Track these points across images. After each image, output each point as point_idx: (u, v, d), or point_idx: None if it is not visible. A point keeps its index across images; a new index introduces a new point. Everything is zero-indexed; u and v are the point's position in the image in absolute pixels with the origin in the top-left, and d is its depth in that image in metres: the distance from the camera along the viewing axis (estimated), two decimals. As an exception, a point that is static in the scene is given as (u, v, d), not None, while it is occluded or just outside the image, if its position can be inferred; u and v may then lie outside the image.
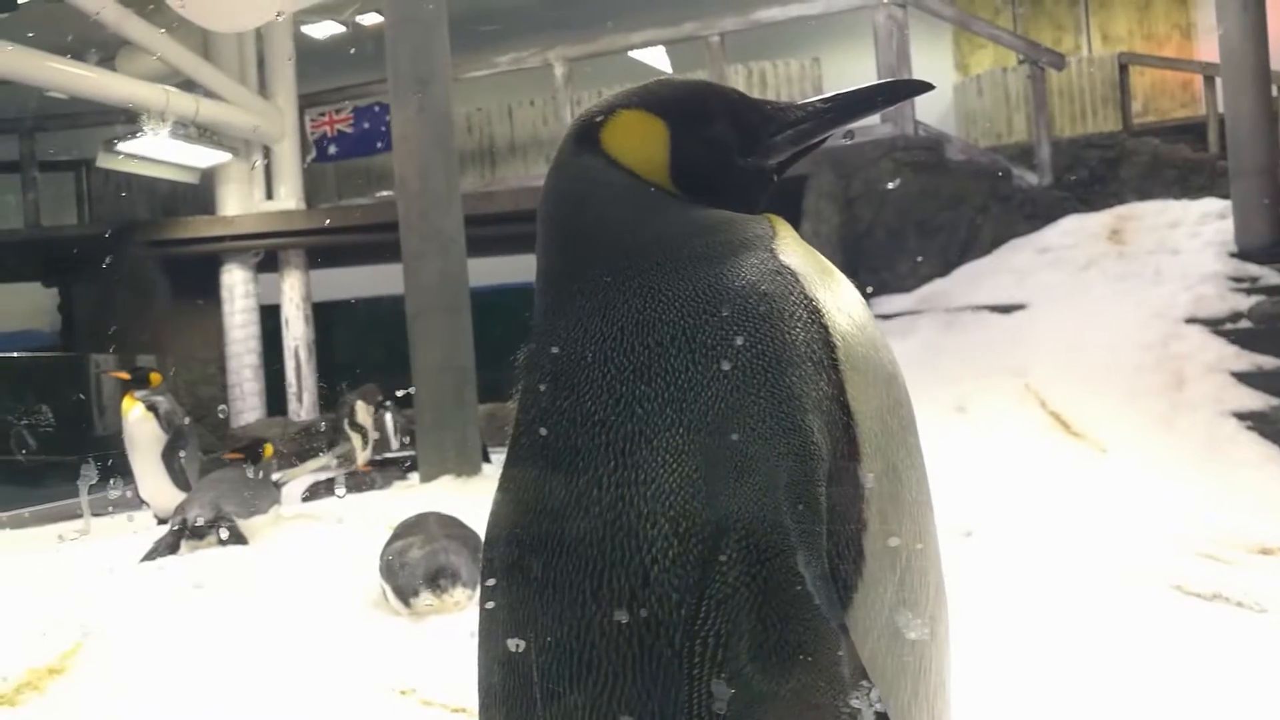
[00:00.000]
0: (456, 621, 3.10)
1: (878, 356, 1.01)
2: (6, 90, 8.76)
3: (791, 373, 0.92)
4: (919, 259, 7.55)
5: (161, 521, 5.13)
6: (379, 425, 7.36)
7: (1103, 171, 8.76)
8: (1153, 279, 6.19)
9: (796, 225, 1.11)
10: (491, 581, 1.00)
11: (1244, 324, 5.53)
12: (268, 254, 10.35)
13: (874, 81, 1.14)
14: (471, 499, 4.51)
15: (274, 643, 2.98)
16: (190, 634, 3.06)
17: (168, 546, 4.17)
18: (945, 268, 7.54)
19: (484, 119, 11.53)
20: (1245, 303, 5.67)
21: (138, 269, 10.34)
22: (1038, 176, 8.38)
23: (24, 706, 2.61)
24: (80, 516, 5.45)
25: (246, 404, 10.23)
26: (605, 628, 0.90)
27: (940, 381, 5.48)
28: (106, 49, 9.27)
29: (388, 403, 7.41)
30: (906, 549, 0.96)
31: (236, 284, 10.31)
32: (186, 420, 5.86)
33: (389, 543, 3.41)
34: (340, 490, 6.05)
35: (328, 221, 10.01)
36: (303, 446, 8.62)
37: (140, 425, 5.63)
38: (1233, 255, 6.17)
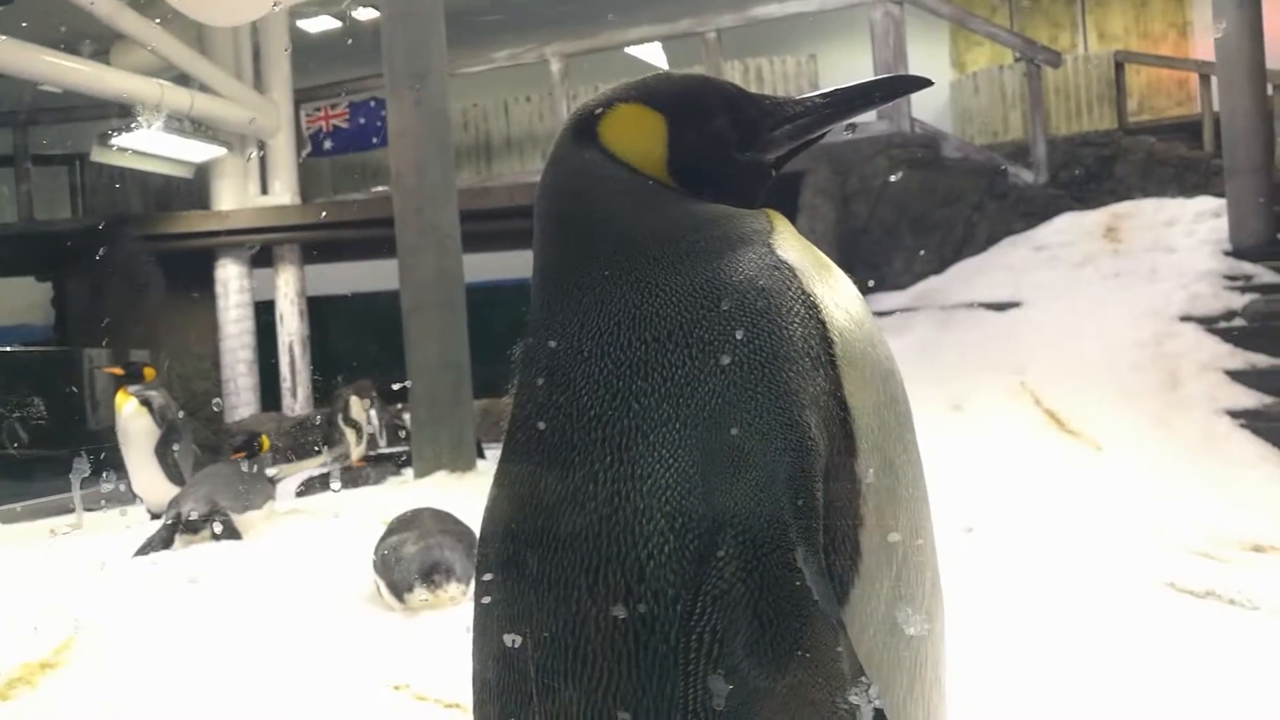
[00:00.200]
0: (450, 617, 3.10)
1: (875, 352, 1.01)
2: (0, 83, 8.72)
3: (789, 368, 0.92)
4: (921, 252, 7.55)
5: (155, 516, 5.12)
6: (373, 421, 7.35)
7: (1098, 169, 8.77)
8: (1148, 277, 6.20)
9: (792, 221, 1.10)
10: (487, 577, 1.00)
11: (1238, 322, 5.54)
12: (262, 249, 10.32)
13: (872, 77, 1.13)
14: (466, 494, 4.51)
15: (267, 638, 2.97)
16: (183, 629, 3.05)
17: (161, 541, 4.16)
18: (941, 265, 7.54)
19: (480, 114, 11.51)
20: (1240, 301, 5.68)
21: (132, 263, 10.30)
22: (1033, 174, 8.39)
23: (16, 701, 2.60)
24: (73, 511, 5.44)
25: (240, 399, 10.21)
26: (601, 623, 0.90)
27: (935, 379, 5.49)
28: (101, 42, 9.23)
29: (378, 399, 7.39)
30: (903, 545, 0.96)
31: (231, 279, 10.28)
32: (180, 414, 5.84)
33: (383, 538, 3.41)
34: (336, 484, 6.05)
35: (324, 214, 9.99)
36: (297, 441, 8.60)
37: (134, 420, 5.61)
38: (1227, 253, 6.19)
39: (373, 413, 7.34)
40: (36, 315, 11.98)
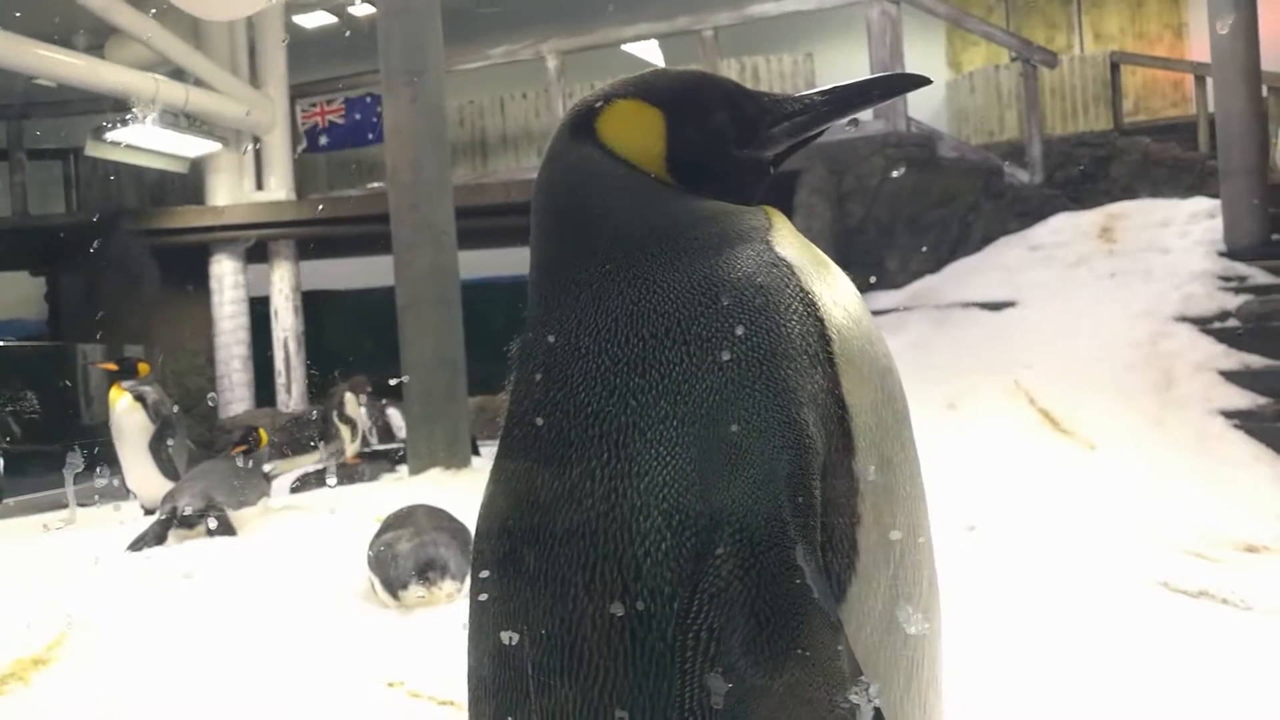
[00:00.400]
0: (444, 614, 3.09)
1: (873, 350, 1.01)
2: (-6, 77, 8.69)
3: (787, 366, 0.92)
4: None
5: (149, 512, 5.10)
6: (367, 417, 7.34)
7: (1094, 170, 8.78)
8: (1142, 277, 6.21)
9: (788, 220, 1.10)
10: (483, 573, 1.00)
11: (1232, 323, 5.55)
12: (257, 245, 10.30)
13: (870, 75, 1.13)
14: (460, 492, 4.50)
15: (261, 634, 2.97)
16: (177, 625, 3.04)
17: (154, 536, 4.14)
18: (936, 264, 7.55)
19: (476, 111, 11.50)
20: (1234, 302, 5.69)
21: (126, 258, 10.27)
22: (1029, 174, 8.40)
23: (8, 697, 2.59)
24: (66, 506, 5.42)
25: (235, 395, 10.19)
26: (597, 620, 0.89)
27: (930, 378, 5.49)
28: (96, 36, 9.20)
29: (372, 396, 7.39)
30: (900, 543, 0.96)
31: (226, 274, 10.26)
32: (175, 409, 5.82)
33: (377, 535, 3.40)
34: (331, 479, 6.04)
35: (320, 207, 9.97)
36: (292, 436, 8.59)
37: (128, 415, 5.59)
38: (1222, 254, 6.20)
39: (363, 410, 7.33)
40: (30, 310, 11.95)
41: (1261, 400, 5.00)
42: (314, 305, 10.82)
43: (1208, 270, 6.01)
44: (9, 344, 10.26)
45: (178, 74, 9.16)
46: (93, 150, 9.51)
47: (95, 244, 9.77)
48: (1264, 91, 6.68)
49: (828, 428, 0.92)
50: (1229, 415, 4.96)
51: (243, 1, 8.19)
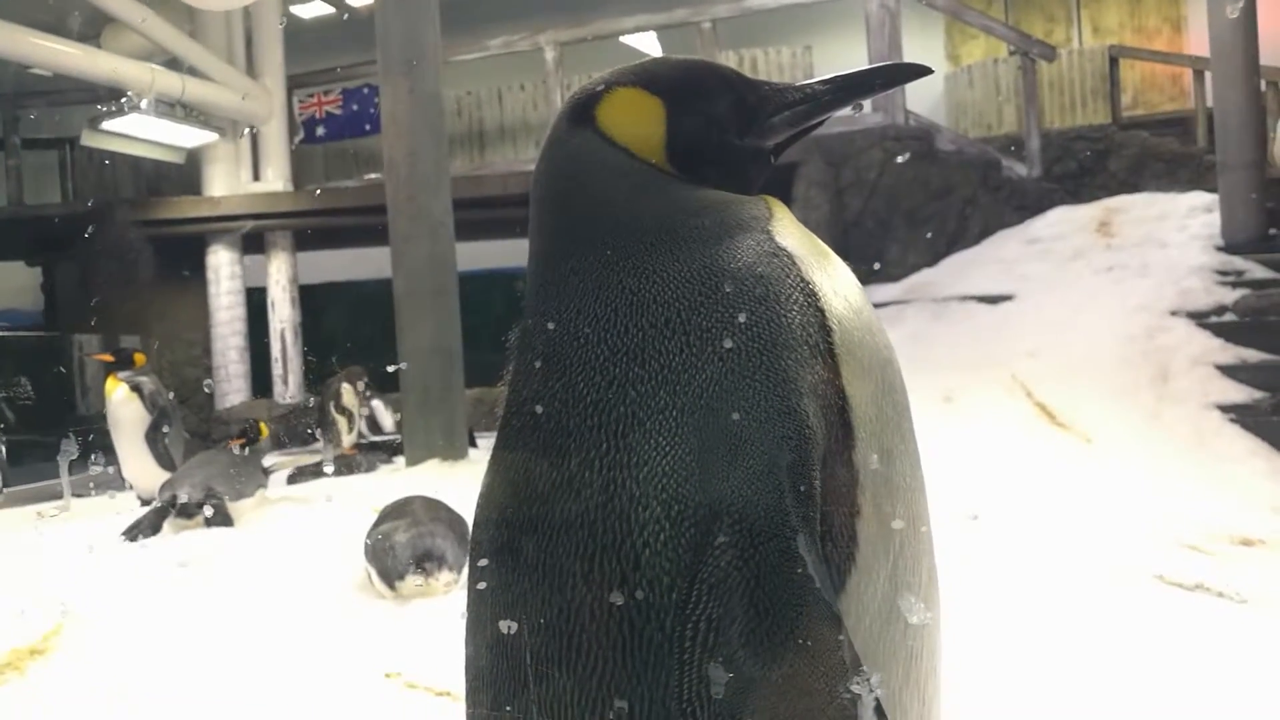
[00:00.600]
0: (441, 605, 3.09)
1: (873, 341, 1.00)
2: (-10, 65, 8.66)
3: (787, 356, 0.91)
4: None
5: (145, 503, 5.10)
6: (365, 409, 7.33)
7: (1092, 164, 8.78)
8: (1140, 271, 6.22)
9: (787, 213, 1.10)
10: (482, 563, 1.00)
11: (1229, 317, 5.56)
12: (254, 236, 10.28)
13: (873, 64, 1.12)
14: (457, 483, 4.50)
15: (257, 624, 2.96)
16: (173, 615, 3.04)
17: (149, 525, 4.14)
18: (934, 257, 7.55)
19: (473, 102, 11.47)
20: (1231, 296, 5.70)
21: (122, 248, 10.24)
22: (1027, 168, 8.40)
23: (4, 688, 2.59)
24: (60, 496, 5.42)
25: (232, 386, 10.17)
26: (596, 611, 0.89)
27: (927, 371, 5.49)
28: (92, 25, 9.16)
29: (369, 387, 7.38)
30: (900, 534, 0.96)
31: (222, 265, 10.23)
32: (171, 399, 5.81)
33: (374, 526, 3.40)
34: (329, 468, 6.04)
35: (318, 193, 9.94)
36: (290, 425, 8.58)
37: (124, 406, 5.57)
38: (1219, 248, 6.20)
39: (359, 401, 7.32)
40: (26, 300, 11.92)
41: (1258, 394, 5.01)
42: (311, 296, 10.81)
43: (1205, 264, 6.02)
44: (5, 334, 10.24)
45: (174, 64, 9.13)
46: (89, 140, 9.47)
47: (91, 234, 9.74)
48: (1262, 86, 6.68)
49: (828, 418, 0.92)
50: (1225, 409, 4.97)
51: (240, -9, 8.16)
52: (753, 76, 1.14)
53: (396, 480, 5.26)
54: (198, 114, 9.54)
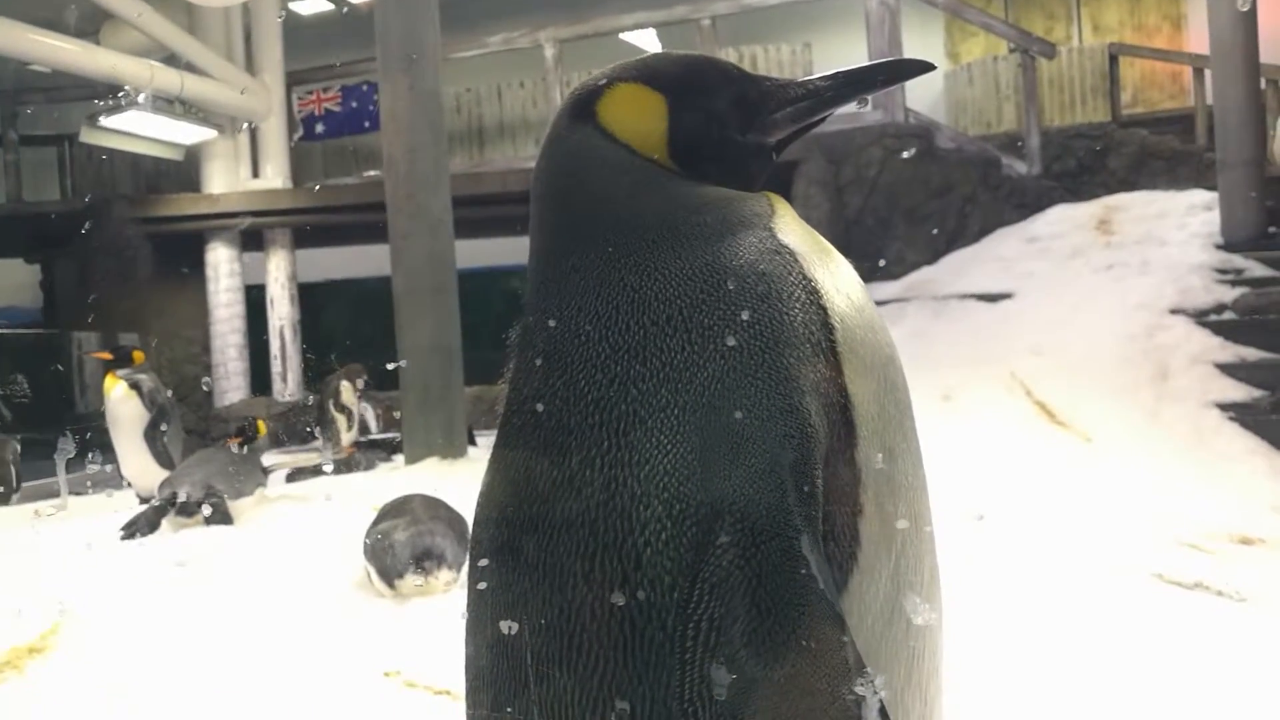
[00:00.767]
0: (440, 604, 3.09)
1: (875, 339, 1.00)
2: (-12, 62, 8.65)
3: (789, 354, 0.91)
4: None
5: (144, 501, 5.09)
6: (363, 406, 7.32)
7: (1091, 162, 8.77)
8: (1139, 269, 6.21)
9: (786, 211, 1.09)
10: (482, 562, 0.99)
11: (1228, 315, 5.56)
12: (253, 233, 10.27)
13: (875, 60, 1.12)
14: (457, 481, 4.49)
15: (256, 623, 2.96)
16: (173, 614, 3.04)
17: (147, 523, 4.13)
18: (933, 255, 7.54)
19: (473, 99, 11.46)
20: (1230, 294, 5.69)
21: (121, 245, 10.24)
22: (1027, 166, 8.39)
23: (4, 685, 2.58)
24: (58, 494, 5.41)
25: (231, 383, 10.17)
26: (597, 610, 0.89)
27: (926, 369, 5.49)
28: (91, 21, 9.15)
29: (369, 385, 7.37)
30: (902, 533, 0.95)
31: (221, 262, 10.23)
32: (170, 397, 5.81)
33: (373, 524, 3.39)
34: (328, 466, 6.03)
35: (317, 190, 9.93)
36: (289, 423, 8.58)
37: (123, 404, 5.57)
38: (1219, 247, 6.20)
39: (359, 399, 7.31)
40: (25, 297, 11.92)
41: (1257, 393, 5.01)
42: (310, 294, 10.80)
43: (1205, 263, 6.01)
44: (3, 331, 10.24)
45: (173, 60, 9.12)
46: (87, 137, 9.47)
47: (90, 230, 9.73)
48: (1262, 84, 6.67)
49: (830, 416, 0.91)
50: (1225, 408, 4.97)
51: (238, -13, 8.14)
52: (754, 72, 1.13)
53: (396, 478, 5.25)
54: (196, 110, 9.53)
